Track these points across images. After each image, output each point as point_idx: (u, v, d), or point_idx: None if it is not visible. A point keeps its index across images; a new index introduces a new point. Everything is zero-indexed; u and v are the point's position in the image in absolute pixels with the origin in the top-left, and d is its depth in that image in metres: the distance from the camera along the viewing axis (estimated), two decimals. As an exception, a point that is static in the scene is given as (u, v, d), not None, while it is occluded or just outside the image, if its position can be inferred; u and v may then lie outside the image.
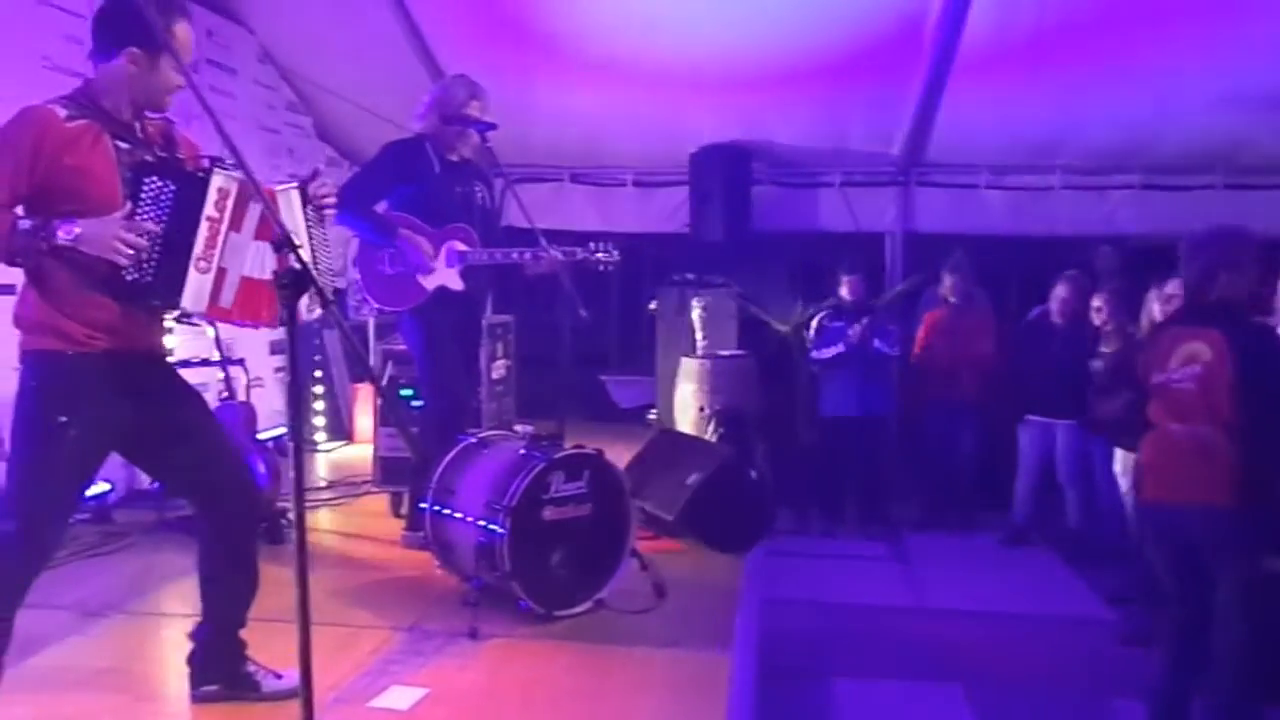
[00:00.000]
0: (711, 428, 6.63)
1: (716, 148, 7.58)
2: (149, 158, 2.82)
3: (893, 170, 7.93)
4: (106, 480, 5.22)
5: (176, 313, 2.83)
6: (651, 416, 8.18)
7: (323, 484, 6.09)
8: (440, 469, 4.20)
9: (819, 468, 7.10)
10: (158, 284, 2.72)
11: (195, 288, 2.75)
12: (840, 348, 6.71)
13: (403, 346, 5.26)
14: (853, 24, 6.36)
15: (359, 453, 6.74)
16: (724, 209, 7.53)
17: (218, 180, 2.75)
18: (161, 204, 2.71)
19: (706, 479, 5.02)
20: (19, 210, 2.70)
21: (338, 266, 5.62)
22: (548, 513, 3.91)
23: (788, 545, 6.04)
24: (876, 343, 6.71)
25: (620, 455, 4.58)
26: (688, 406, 6.92)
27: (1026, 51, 6.43)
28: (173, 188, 2.73)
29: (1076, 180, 7.71)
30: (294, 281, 2.19)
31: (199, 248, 2.74)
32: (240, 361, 5.65)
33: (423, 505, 4.22)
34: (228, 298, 2.84)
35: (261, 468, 4.85)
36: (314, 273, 2.30)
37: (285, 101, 7.35)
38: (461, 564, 4.07)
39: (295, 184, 3.02)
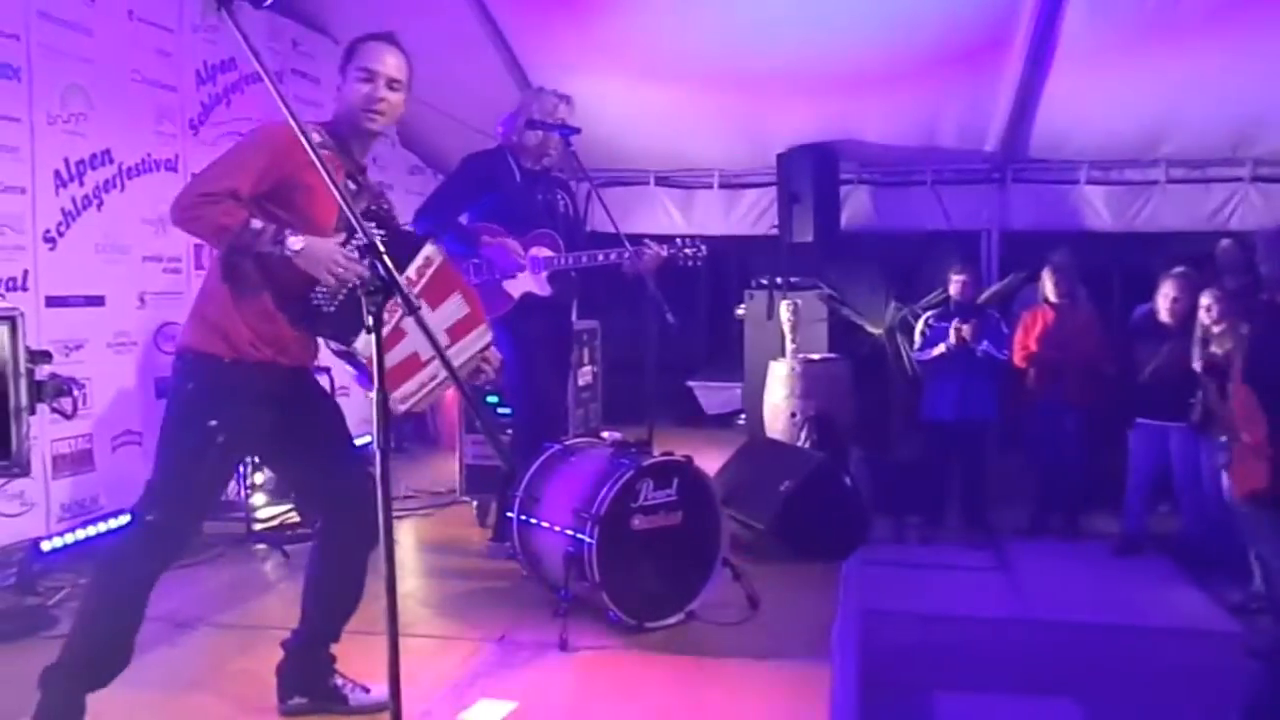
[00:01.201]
0: (803, 433, 6.50)
1: (805, 148, 7.46)
2: (374, 206, 2.97)
3: (988, 167, 7.73)
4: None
5: (342, 348, 2.86)
6: (740, 422, 8.08)
7: (408, 493, 6.09)
8: (526, 478, 4.16)
9: (917, 473, 6.91)
10: (337, 319, 2.77)
11: (368, 337, 2.73)
12: (943, 348, 6.51)
13: (488, 354, 5.23)
14: (944, 15, 6.19)
15: (445, 461, 6.75)
16: (813, 210, 7.40)
17: (428, 249, 2.85)
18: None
19: (799, 486, 4.92)
20: None
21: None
22: (637, 521, 3.85)
23: (885, 554, 5.87)
24: (985, 344, 6.49)
25: (709, 462, 4.49)
26: (778, 412, 6.80)
27: (1128, 39, 6.19)
28: (386, 239, 2.74)
29: (1182, 174, 7.42)
30: (381, 287, 2.17)
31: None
32: (326, 370, 5.67)
33: (509, 515, 4.18)
34: (392, 358, 2.79)
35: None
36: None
37: (369, 111, 7.38)
38: (549, 574, 4.01)
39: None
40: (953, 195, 7.86)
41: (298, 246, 2.70)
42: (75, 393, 2.67)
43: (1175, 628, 5.34)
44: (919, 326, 6.79)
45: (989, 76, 6.71)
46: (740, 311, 8.12)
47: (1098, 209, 7.62)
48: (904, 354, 7.59)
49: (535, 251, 4.62)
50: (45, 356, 2.55)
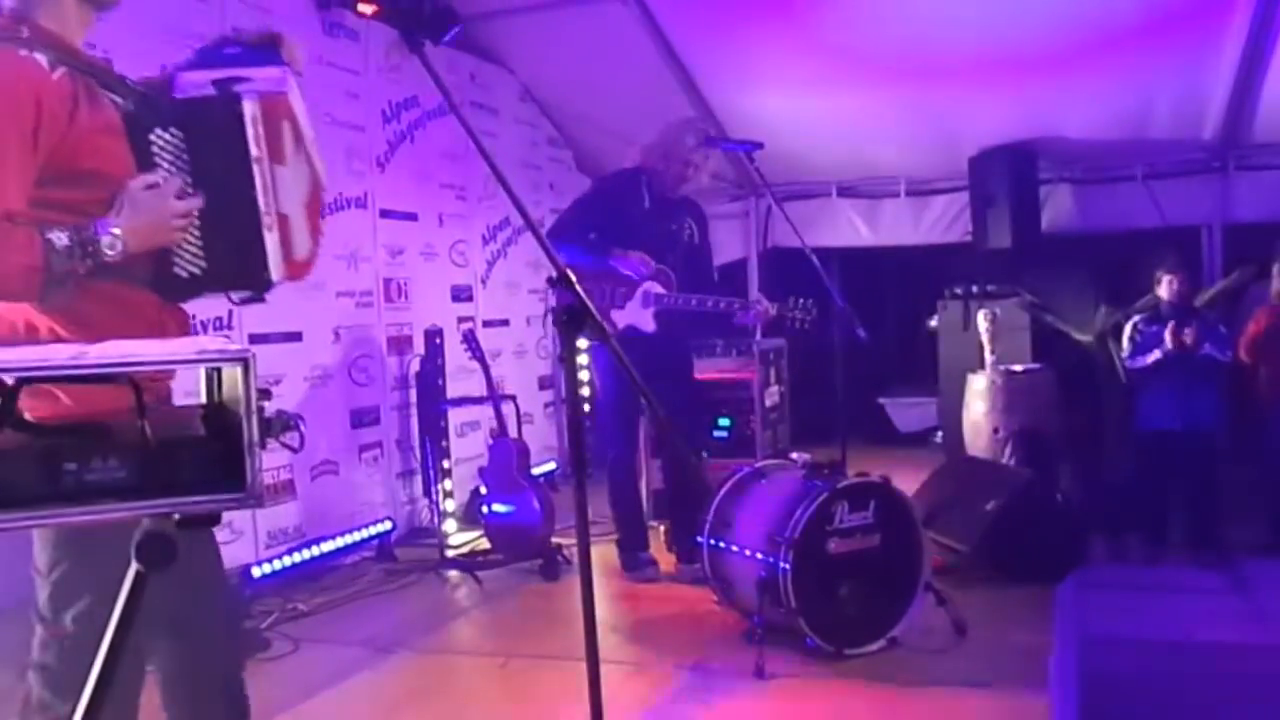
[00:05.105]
0: (1007, 450, 6.34)
1: (999, 148, 7.27)
2: (132, 107, 2.08)
3: (1206, 155, 7.35)
4: (389, 519, 5.57)
5: (249, 296, 2.25)
6: (937, 440, 7.93)
7: (595, 518, 6.22)
8: (716, 501, 4.21)
9: (1137, 488, 6.62)
10: (217, 270, 2.12)
11: (272, 251, 2.15)
12: (1159, 354, 6.23)
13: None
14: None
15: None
16: (1010, 213, 7.20)
17: (249, 108, 2.08)
18: (182, 162, 2.08)
19: (1006, 505, 4.82)
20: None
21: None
22: (833, 545, 3.85)
23: (1104, 576, 5.59)
24: (1207, 347, 6.18)
25: (906, 482, 4.45)
26: (979, 428, 6.64)
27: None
28: (181, 135, 2.07)
29: None
30: (572, 316, 2.23)
31: (262, 202, 2.11)
32: (512, 398, 5.90)
33: (699, 539, 4.24)
34: (302, 247, 2.24)
35: (536, 504, 5.05)
36: None
37: (546, 137, 7.68)
38: (743, 599, 4.05)
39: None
40: (1167, 189, 7.52)
41: (115, 246, 1.94)
42: (302, 428, 2.82)
43: None
44: (1127, 331, 6.52)
45: (1205, 54, 6.37)
46: (933, 323, 7.98)
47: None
48: (1117, 361, 7.29)
49: (648, 286, 4.74)
50: (266, 394, 2.70)
